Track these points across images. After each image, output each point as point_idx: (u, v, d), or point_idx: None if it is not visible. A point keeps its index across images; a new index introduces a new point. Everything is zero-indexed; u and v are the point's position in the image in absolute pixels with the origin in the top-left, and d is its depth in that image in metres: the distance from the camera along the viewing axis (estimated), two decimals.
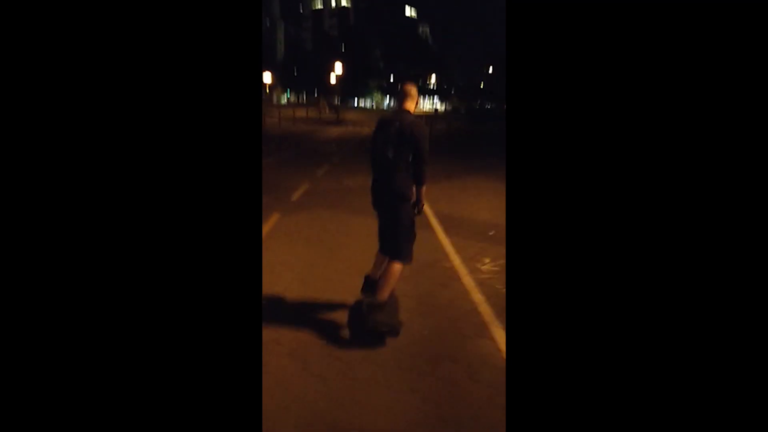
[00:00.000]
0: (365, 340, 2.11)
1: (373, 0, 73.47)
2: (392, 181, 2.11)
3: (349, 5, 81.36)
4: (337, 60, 26.56)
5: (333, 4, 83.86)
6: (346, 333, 2.22)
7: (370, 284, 2.26)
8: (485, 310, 2.56)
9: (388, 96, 49.94)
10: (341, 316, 2.32)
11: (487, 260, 3.43)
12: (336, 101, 33.41)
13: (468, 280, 3.01)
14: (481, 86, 54.76)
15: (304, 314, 2.43)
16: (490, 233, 4.17)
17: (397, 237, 2.17)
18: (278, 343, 2.12)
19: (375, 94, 47.41)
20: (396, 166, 2.10)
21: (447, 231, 4.23)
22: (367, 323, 2.07)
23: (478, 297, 2.74)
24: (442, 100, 49.47)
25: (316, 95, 45.15)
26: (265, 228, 4.14)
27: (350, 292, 2.46)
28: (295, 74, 43.18)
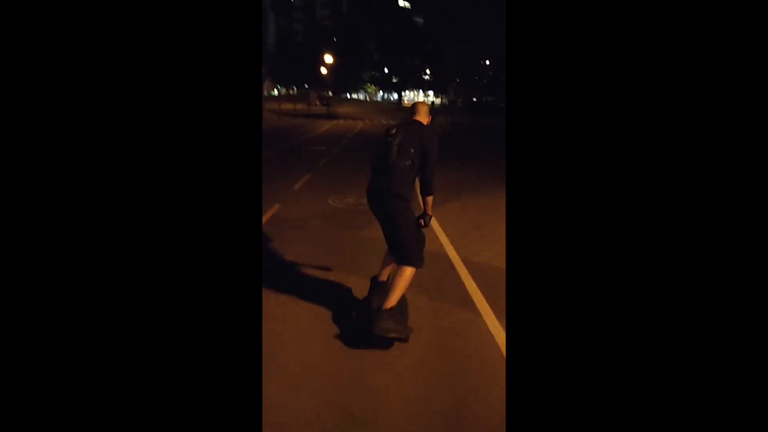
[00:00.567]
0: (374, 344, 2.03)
1: None
2: (391, 184, 2.02)
3: None
4: (329, 50, 24.85)
5: None
6: (351, 336, 2.12)
7: (378, 286, 2.26)
8: None
9: (381, 89, 48.30)
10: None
11: None
12: (327, 93, 31.67)
13: None
14: (476, 78, 53.58)
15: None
16: None
17: (404, 240, 2.06)
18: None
19: (368, 86, 45.62)
20: (399, 170, 2.01)
21: (497, 306, 2.39)
22: (375, 329, 1.94)
23: None
24: (437, 92, 47.90)
25: (307, 87, 43.50)
26: None
27: None
28: (286, 66, 41.40)
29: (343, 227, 4.09)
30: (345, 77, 39.73)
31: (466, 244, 3.61)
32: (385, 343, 1.99)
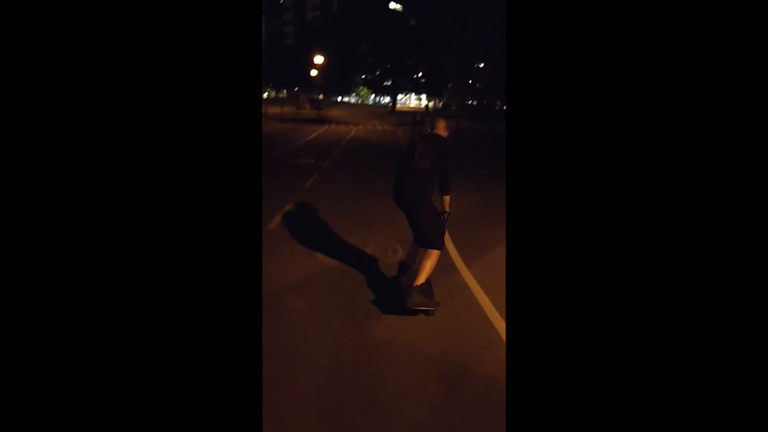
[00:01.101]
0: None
1: None
2: (418, 181, 2.38)
3: None
4: (319, 50, 23.25)
5: None
6: (382, 310, 2.46)
7: (405, 269, 2.61)
8: None
9: (374, 92, 46.87)
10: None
11: None
12: (317, 96, 29.99)
13: None
14: (470, 82, 52.70)
15: None
16: None
17: (427, 227, 2.39)
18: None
19: (360, 89, 44.14)
20: (421, 171, 2.38)
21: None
22: (407, 304, 2.28)
23: None
24: (430, 96, 46.58)
25: (297, 90, 41.91)
26: None
27: None
28: (275, 68, 39.77)
29: (338, 323, 2.31)
30: (336, 79, 38.20)
31: None
32: (415, 314, 2.37)
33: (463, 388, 1.82)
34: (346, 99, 53.40)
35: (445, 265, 2.92)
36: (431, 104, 53.56)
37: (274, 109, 24.79)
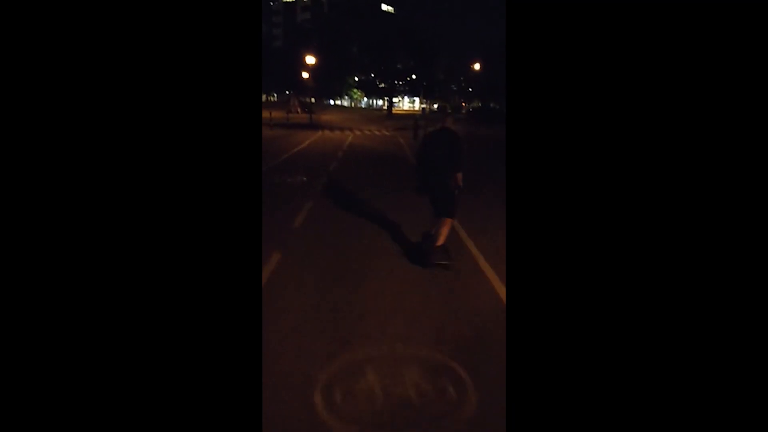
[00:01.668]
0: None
1: None
2: (435, 166, 3.22)
3: None
4: (310, 52, 21.63)
5: None
6: (412, 263, 3.40)
7: (428, 236, 3.34)
8: None
9: (366, 95, 45.43)
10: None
11: None
12: (309, 99, 28.38)
13: None
14: (463, 84, 51.84)
15: None
16: None
17: (446, 201, 3.27)
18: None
19: (353, 91, 42.58)
20: (440, 159, 3.20)
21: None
22: (431, 260, 3.26)
23: None
24: (425, 99, 45.33)
25: (288, 94, 40.28)
26: None
27: None
28: (266, 72, 38.15)
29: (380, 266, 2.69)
30: (328, 82, 36.68)
31: None
32: (434, 267, 3.26)
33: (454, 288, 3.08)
34: (338, 102, 51.87)
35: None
36: (427, 107, 52.35)
37: (263, 114, 23.09)
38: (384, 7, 77.51)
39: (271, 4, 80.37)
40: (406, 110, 50.72)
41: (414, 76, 38.02)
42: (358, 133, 18.39)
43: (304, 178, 7.03)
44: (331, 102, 51.48)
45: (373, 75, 39.17)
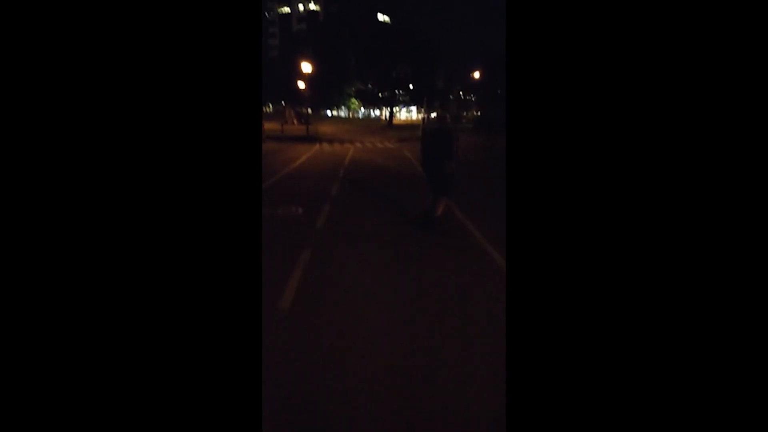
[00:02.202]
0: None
1: (344, 5, 68.91)
2: (435, 155, 4.19)
3: (319, 9, 76.00)
4: (307, 62, 20.21)
5: (301, 8, 78.27)
6: (415, 228, 4.50)
7: (427, 212, 4.43)
8: None
9: (363, 105, 44.22)
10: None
11: None
12: (305, 110, 26.94)
13: None
14: (460, 93, 51.04)
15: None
16: None
17: (442, 183, 4.23)
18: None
19: (351, 101, 41.32)
20: (440, 151, 4.16)
21: None
22: (428, 226, 4.38)
23: None
24: (425, 107, 44.19)
25: (284, 105, 38.99)
26: None
27: None
28: (263, 83, 36.83)
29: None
30: (325, 92, 35.40)
31: None
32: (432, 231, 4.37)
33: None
34: (335, 113, 50.62)
35: None
36: (426, 116, 51.18)
37: None
38: (381, 17, 77.16)
39: (267, 15, 79.90)
40: (404, 120, 49.45)
41: (413, 86, 36.86)
42: (359, 145, 16.85)
43: (300, 210, 5.43)
44: (329, 113, 50.25)
45: (371, 85, 38.01)
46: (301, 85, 25.86)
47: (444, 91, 40.51)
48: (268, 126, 20.36)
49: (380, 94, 36.98)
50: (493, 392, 1.83)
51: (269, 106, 51.73)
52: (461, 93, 52.61)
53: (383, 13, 78.17)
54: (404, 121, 48.01)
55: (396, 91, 36.13)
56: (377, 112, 57.57)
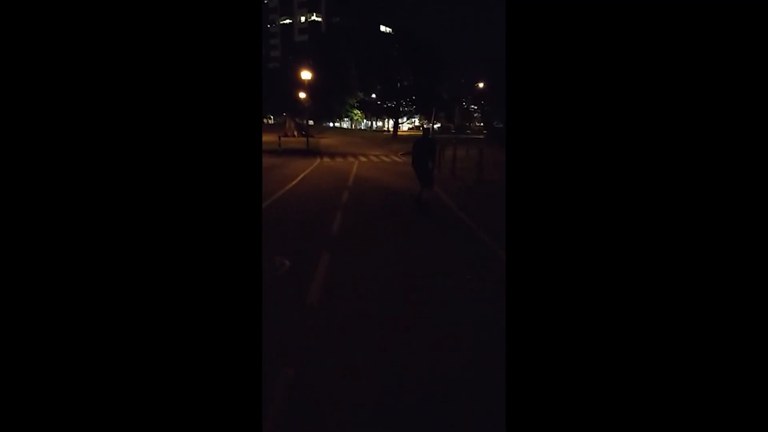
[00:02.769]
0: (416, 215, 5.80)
1: (346, 15, 68.54)
2: (423, 156, 6.56)
3: (321, 19, 75.78)
4: (308, 72, 18.92)
5: (302, 19, 78.13)
6: (410, 207, 6.42)
7: (418, 197, 6.76)
8: None
9: (366, 116, 43.05)
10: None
11: None
12: (305, 121, 25.63)
13: None
14: (464, 104, 50.10)
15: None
16: None
17: (427, 176, 6.55)
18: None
19: (353, 112, 40.08)
20: (425, 152, 6.56)
21: None
22: (420, 204, 6.56)
23: None
24: (428, 117, 43.06)
25: (284, 116, 37.86)
26: None
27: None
28: (263, 95, 35.67)
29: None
30: (327, 103, 34.23)
31: None
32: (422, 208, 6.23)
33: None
34: (337, 124, 49.46)
35: None
36: (430, 126, 50.36)
37: None
38: (383, 28, 76.86)
39: (269, 26, 79.72)
40: (407, 131, 48.18)
41: (417, 96, 35.68)
42: (363, 159, 15.40)
43: (286, 263, 3.89)
44: (330, 124, 49.16)
45: (374, 95, 36.90)
46: (302, 95, 24.61)
47: (448, 101, 39.28)
48: (266, 138, 18.97)
49: (384, 105, 35.81)
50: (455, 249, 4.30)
51: (270, 118, 50.68)
52: (464, 103, 51.60)
53: (385, 25, 77.93)
54: (408, 132, 46.73)
55: (401, 101, 34.96)
56: (379, 123, 56.45)
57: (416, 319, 2.77)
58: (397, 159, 15.72)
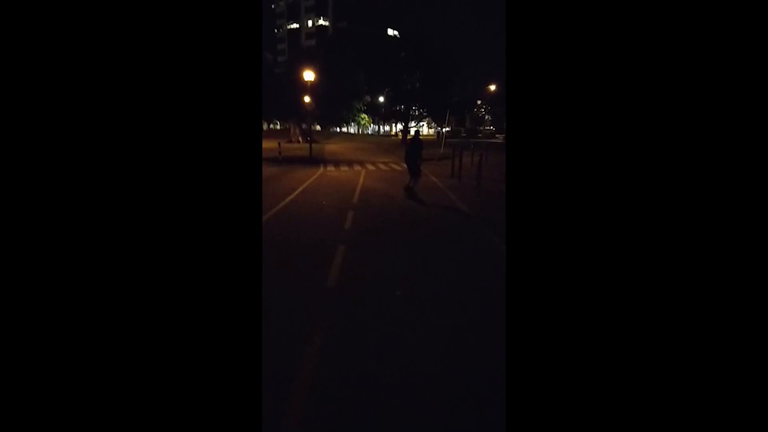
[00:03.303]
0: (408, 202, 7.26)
1: (353, 20, 67.95)
2: (414, 156, 8.23)
3: (328, 24, 75.20)
4: (314, 78, 17.60)
5: (309, 23, 77.66)
6: (402, 196, 8.13)
7: (409, 187, 8.40)
8: None
9: (372, 121, 41.75)
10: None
11: None
12: (312, 126, 24.34)
13: None
14: (475, 110, 48.97)
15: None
16: None
17: (416, 170, 8.30)
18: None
19: (361, 117, 38.78)
20: (414, 151, 8.23)
21: None
22: (410, 194, 8.27)
23: None
24: (434, 120, 41.63)
25: (285, 121, 36.70)
26: None
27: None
28: (268, 98, 34.50)
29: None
30: (334, 108, 33.00)
31: None
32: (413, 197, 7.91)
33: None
34: (344, 129, 48.20)
35: None
36: (431, 130, 49.02)
37: None
38: (390, 31, 75.99)
39: (276, 31, 79.34)
40: (413, 135, 46.66)
41: (426, 100, 34.32)
42: (371, 168, 13.95)
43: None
44: (338, 129, 47.95)
45: (382, 99, 35.64)
46: (307, 99, 23.37)
47: (459, 104, 37.77)
48: (266, 145, 17.63)
49: (393, 108, 34.50)
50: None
51: (277, 124, 49.62)
52: (475, 108, 50.39)
53: (393, 29, 77.05)
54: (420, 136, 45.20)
55: (411, 105, 33.61)
56: (387, 128, 55.22)
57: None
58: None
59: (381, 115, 36.82)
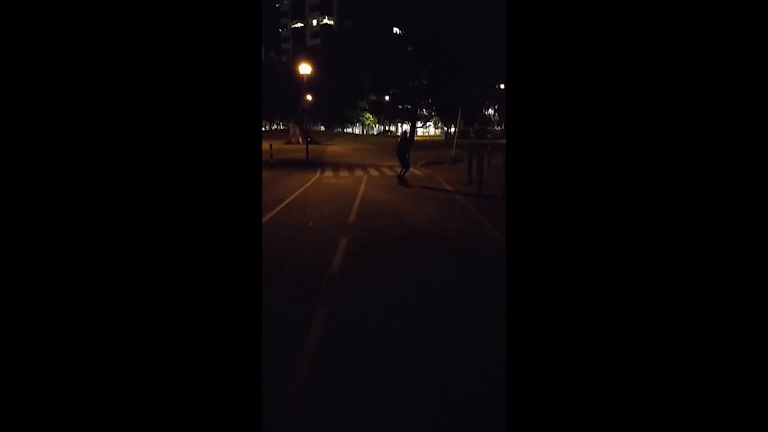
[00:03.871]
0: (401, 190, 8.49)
1: (358, 18, 66.62)
2: (404, 150, 10.30)
3: (333, 23, 73.83)
4: (317, 77, 15.97)
5: (314, 23, 76.33)
6: (395, 183, 10.00)
7: (401, 174, 10.49)
8: None
9: (377, 121, 40.14)
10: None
11: None
12: (313, 126, 22.72)
13: None
14: (482, 111, 47.38)
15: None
16: None
17: (406, 160, 10.36)
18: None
19: (365, 116, 37.09)
20: (405, 145, 10.39)
21: None
22: (402, 182, 10.18)
23: None
24: (442, 120, 39.85)
25: (287, 121, 35.16)
26: None
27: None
28: (270, 98, 32.97)
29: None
30: (338, 107, 31.44)
31: None
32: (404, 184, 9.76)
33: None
34: (348, 129, 46.55)
35: None
36: (437, 130, 47.49)
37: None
38: (396, 30, 74.44)
39: (280, 30, 78.11)
40: (422, 136, 44.84)
41: (433, 99, 32.55)
42: (374, 173, 12.21)
43: None
44: (342, 129, 46.36)
45: (388, 98, 34.00)
46: (309, 98, 21.76)
47: (468, 103, 35.91)
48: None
49: (400, 107, 32.77)
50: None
51: (279, 124, 48.12)
52: (484, 108, 48.76)
53: (398, 27, 75.49)
54: (423, 137, 43.36)
55: (417, 103, 31.83)
56: (392, 128, 53.62)
57: None
58: (417, 172, 12.46)
59: (386, 114, 35.15)
